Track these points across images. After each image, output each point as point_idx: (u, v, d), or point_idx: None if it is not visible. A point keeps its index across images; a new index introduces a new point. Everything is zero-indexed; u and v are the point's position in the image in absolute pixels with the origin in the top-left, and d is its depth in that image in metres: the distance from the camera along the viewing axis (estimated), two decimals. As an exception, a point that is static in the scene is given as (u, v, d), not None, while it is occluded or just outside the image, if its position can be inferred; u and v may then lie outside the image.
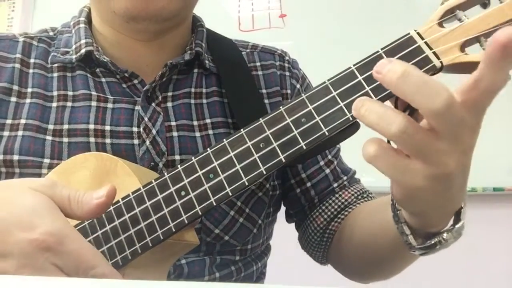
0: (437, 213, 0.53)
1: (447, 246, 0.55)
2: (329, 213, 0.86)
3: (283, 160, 0.54)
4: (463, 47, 0.50)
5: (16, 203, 0.49)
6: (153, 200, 0.57)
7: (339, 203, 0.86)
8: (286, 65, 0.92)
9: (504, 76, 0.45)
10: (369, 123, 0.47)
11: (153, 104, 0.79)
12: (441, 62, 0.50)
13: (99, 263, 0.49)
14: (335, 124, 0.52)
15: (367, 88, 0.51)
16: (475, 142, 0.49)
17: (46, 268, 0.47)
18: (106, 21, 0.81)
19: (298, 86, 0.91)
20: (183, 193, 0.57)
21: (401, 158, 0.47)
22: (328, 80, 0.53)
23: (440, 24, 0.51)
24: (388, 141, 0.49)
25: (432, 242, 0.55)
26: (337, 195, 0.87)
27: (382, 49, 0.52)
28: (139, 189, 0.58)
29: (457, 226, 0.54)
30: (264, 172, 0.54)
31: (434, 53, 0.50)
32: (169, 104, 0.80)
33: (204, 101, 0.83)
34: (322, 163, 0.88)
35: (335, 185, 0.88)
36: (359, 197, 0.87)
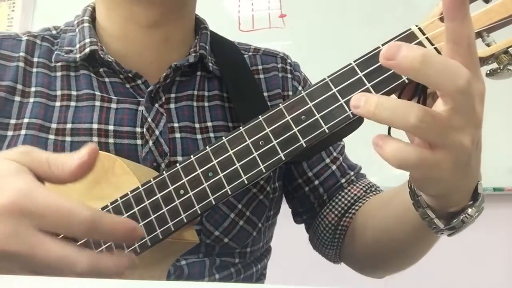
0: (458, 192, 0.53)
1: (473, 221, 0.55)
2: (339, 208, 0.86)
3: (283, 158, 0.53)
4: (465, 42, 0.50)
5: None
6: (152, 199, 0.57)
7: (349, 198, 0.86)
8: (288, 67, 0.92)
9: (469, 22, 0.46)
10: (383, 119, 0.46)
11: (156, 105, 0.79)
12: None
13: (79, 209, 0.47)
14: (336, 121, 0.52)
15: (368, 85, 0.51)
16: (483, 112, 0.48)
17: (31, 234, 0.46)
18: (112, 5, 0.80)
19: (300, 88, 0.91)
20: (182, 192, 0.56)
21: (428, 155, 0.46)
22: (328, 76, 0.53)
23: (442, 19, 0.51)
24: (389, 131, 0.48)
25: (459, 219, 0.54)
26: (346, 190, 0.87)
27: (383, 44, 0.51)
28: (138, 188, 0.58)
29: (479, 200, 0.54)
30: (264, 170, 0.54)
31: (436, 48, 0.50)
32: (172, 106, 0.80)
33: (206, 104, 0.83)
34: (328, 160, 0.88)
35: (343, 180, 0.88)
36: (368, 190, 0.87)
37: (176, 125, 0.79)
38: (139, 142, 0.76)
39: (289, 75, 0.91)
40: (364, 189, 0.87)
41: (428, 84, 0.46)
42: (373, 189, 0.88)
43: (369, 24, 2.08)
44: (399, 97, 0.52)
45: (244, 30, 2.28)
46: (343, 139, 0.90)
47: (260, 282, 0.90)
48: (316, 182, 0.88)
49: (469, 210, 0.54)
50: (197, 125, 0.81)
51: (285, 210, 0.94)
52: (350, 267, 0.89)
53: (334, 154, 0.89)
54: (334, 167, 0.88)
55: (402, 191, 0.66)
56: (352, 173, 0.89)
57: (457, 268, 1.97)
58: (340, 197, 0.87)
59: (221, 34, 0.94)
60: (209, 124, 0.81)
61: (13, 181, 0.48)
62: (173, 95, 0.81)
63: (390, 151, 0.46)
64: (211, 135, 0.80)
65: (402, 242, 0.73)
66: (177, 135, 0.78)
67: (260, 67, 0.90)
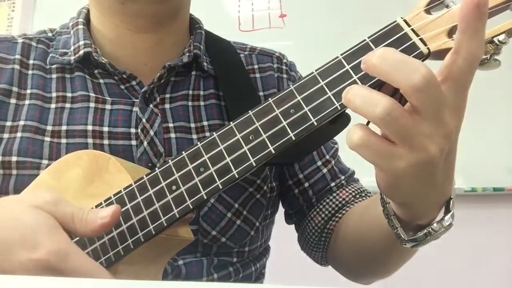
0: (423, 203, 0.53)
1: (437, 237, 0.55)
2: (326, 212, 0.86)
3: (273, 151, 0.53)
4: (450, 33, 0.50)
5: (19, 222, 0.50)
6: (144, 195, 0.57)
7: (337, 202, 0.86)
8: (284, 67, 0.92)
9: (480, 43, 0.46)
10: (354, 107, 0.47)
11: (151, 106, 0.79)
12: (428, 48, 0.49)
13: (102, 277, 0.49)
14: (324, 113, 0.52)
15: (355, 77, 0.51)
16: (458, 127, 0.49)
17: None
18: (103, 11, 0.81)
19: None
20: (174, 187, 0.56)
21: (385, 145, 0.47)
22: (316, 70, 0.53)
23: (428, 11, 0.51)
24: (367, 123, 0.48)
25: (421, 233, 0.55)
26: (334, 194, 0.87)
27: (369, 37, 0.52)
28: (131, 185, 0.58)
29: (446, 217, 0.54)
30: (254, 164, 0.54)
31: (421, 39, 0.50)
32: (167, 106, 0.80)
33: (202, 103, 0.83)
34: (319, 163, 0.88)
35: (333, 184, 0.87)
36: (357, 196, 0.87)
37: (171, 125, 0.79)
38: (133, 142, 0.76)
39: (284, 75, 0.91)
40: (353, 194, 0.87)
41: (386, 80, 0.46)
42: (363, 195, 0.88)
43: (369, 24, 2.05)
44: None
45: (244, 30, 2.28)
46: (341, 141, 0.90)
47: (259, 282, 0.90)
48: (306, 185, 0.87)
49: (434, 225, 0.54)
50: (192, 125, 0.81)
51: (284, 210, 0.94)
52: (336, 271, 0.89)
53: (327, 157, 0.89)
54: (325, 170, 0.88)
55: (377, 199, 0.67)
56: (343, 177, 0.89)
57: (457, 268, 1.96)
58: (328, 200, 0.86)
59: (221, 34, 0.94)
60: (205, 123, 0.81)
61: (49, 237, 0.48)
62: (167, 95, 0.81)
63: (348, 130, 0.48)
64: (207, 134, 0.80)
65: (376, 249, 0.73)
66: (172, 135, 0.78)
67: (256, 66, 0.90)
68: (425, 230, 0.54)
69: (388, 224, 0.58)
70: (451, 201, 0.54)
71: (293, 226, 0.95)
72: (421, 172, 0.48)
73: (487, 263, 1.97)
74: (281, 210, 0.93)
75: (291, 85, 0.88)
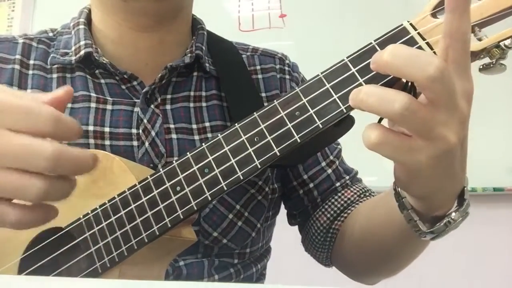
0: (441, 194, 0.54)
1: (456, 226, 0.55)
2: (332, 212, 0.86)
3: (278, 153, 0.54)
4: (457, 37, 0.50)
5: None
6: (148, 196, 0.57)
7: (342, 202, 0.86)
8: (286, 68, 0.92)
9: (468, 21, 0.47)
10: (368, 106, 0.47)
11: (152, 106, 0.79)
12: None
13: (39, 106, 0.47)
14: (329, 116, 0.52)
15: (361, 80, 0.51)
16: (469, 111, 0.49)
17: None
18: (106, 10, 0.81)
19: None
20: (178, 188, 0.57)
21: (403, 139, 0.47)
22: (322, 73, 0.53)
23: (434, 15, 0.51)
24: (379, 120, 0.49)
25: (442, 223, 0.55)
26: (339, 194, 0.87)
27: (375, 40, 0.52)
28: (135, 185, 0.58)
29: (464, 204, 0.54)
30: (259, 166, 0.54)
31: (428, 43, 0.50)
32: (168, 107, 0.80)
33: (204, 104, 0.83)
34: (323, 163, 0.88)
35: (338, 184, 0.88)
36: (362, 195, 0.87)
37: (172, 126, 0.79)
38: (135, 143, 0.76)
39: (287, 76, 0.91)
40: (358, 193, 0.87)
41: (400, 75, 0.47)
42: (367, 194, 0.88)
43: (369, 24, 2.07)
44: None
45: (244, 30, 2.28)
46: (341, 142, 0.90)
47: (260, 282, 0.90)
48: (311, 185, 0.88)
49: (453, 215, 0.54)
50: (194, 126, 0.81)
51: (285, 210, 0.94)
52: (341, 271, 0.89)
53: (331, 157, 0.89)
54: (329, 171, 0.88)
55: (388, 195, 0.66)
56: (347, 177, 0.89)
57: (457, 268, 1.96)
58: (333, 200, 0.87)
59: (221, 34, 0.94)
60: (207, 124, 0.81)
61: None
62: (169, 96, 0.81)
63: (364, 131, 0.48)
64: (209, 135, 0.81)
65: (387, 246, 0.73)
66: (174, 136, 0.78)
67: (258, 67, 0.90)
68: (445, 220, 0.55)
69: (405, 219, 0.58)
70: (465, 189, 0.55)
71: (292, 226, 0.95)
72: (442, 162, 0.48)
73: (487, 263, 1.97)
74: (284, 211, 0.93)
75: (295, 87, 0.89)
